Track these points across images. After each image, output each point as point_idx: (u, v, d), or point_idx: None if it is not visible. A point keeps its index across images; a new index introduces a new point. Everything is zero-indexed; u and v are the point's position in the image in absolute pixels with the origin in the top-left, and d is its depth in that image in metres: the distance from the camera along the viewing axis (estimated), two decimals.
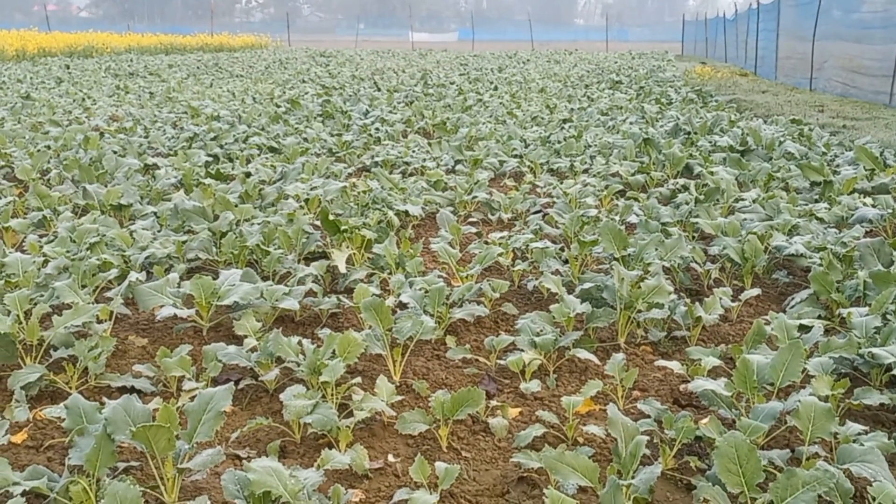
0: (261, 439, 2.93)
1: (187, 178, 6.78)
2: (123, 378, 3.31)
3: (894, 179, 6.63)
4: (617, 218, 5.64)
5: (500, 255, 4.60)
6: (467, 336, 3.91)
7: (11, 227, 5.31)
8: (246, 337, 3.54)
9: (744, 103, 14.12)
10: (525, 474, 2.68)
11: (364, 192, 6.33)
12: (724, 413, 2.89)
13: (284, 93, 16.00)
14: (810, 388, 2.86)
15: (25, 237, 5.19)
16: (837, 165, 7.53)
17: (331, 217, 5.04)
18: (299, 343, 3.30)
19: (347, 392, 3.07)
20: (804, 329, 3.48)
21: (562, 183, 6.93)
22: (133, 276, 3.94)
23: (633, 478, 2.37)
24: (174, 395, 3.24)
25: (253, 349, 3.42)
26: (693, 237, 5.44)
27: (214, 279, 3.91)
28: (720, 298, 3.93)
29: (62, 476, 2.43)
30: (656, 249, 4.40)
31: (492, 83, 18.85)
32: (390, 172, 7.57)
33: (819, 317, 3.86)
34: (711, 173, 6.74)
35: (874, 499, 2.20)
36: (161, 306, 3.78)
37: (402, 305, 3.92)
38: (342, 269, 4.54)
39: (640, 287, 3.78)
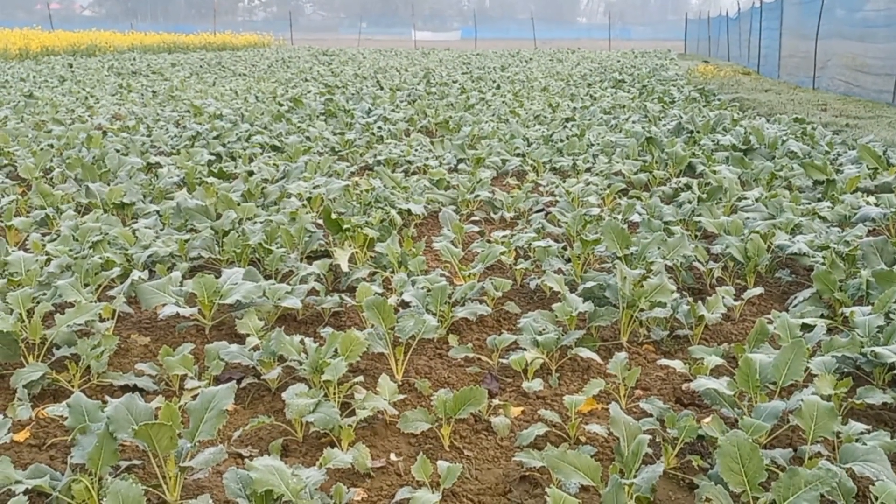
0: (263, 438, 2.93)
1: (190, 177, 6.78)
2: (126, 377, 3.31)
3: None
4: (619, 217, 5.63)
5: (502, 253, 4.60)
6: (470, 335, 3.91)
7: (14, 226, 5.33)
8: (248, 335, 3.55)
9: (747, 102, 14.10)
10: (527, 473, 2.68)
11: (366, 190, 6.33)
12: (727, 412, 2.88)
13: (287, 91, 16.00)
14: (813, 388, 2.86)
15: (28, 236, 5.20)
16: (840, 164, 7.50)
17: (333, 216, 5.04)
18: (301, 342, 3.30)
19: (349, 391, 3.08)
20: (807, 328, 3.47)
21: (564, 182, 6.92)
22: (135, 274, 3.95)
23: (635, 477, 2.37)
24: (176, 394, 3.24)
25: (255, 348, 3.42)
26: (696, 236, 5.43)
27: (217, 278, 3.92)
28: (723, 297, 3.93)
29: (64, 474, 2.43)
30: (659, 248, 4.40)
31: (494, 82, 18.83)
32: (393, 171, 7.57)
33: (822, 316, 3.85)
34: (714, 172, 6.74)
35: (877, 498, 2.19)
36: (163, 305, 3.79)
37: (405, 304, 3.93)
38: (344, 267, 4.54)
39: (642, 286, 3.78)
